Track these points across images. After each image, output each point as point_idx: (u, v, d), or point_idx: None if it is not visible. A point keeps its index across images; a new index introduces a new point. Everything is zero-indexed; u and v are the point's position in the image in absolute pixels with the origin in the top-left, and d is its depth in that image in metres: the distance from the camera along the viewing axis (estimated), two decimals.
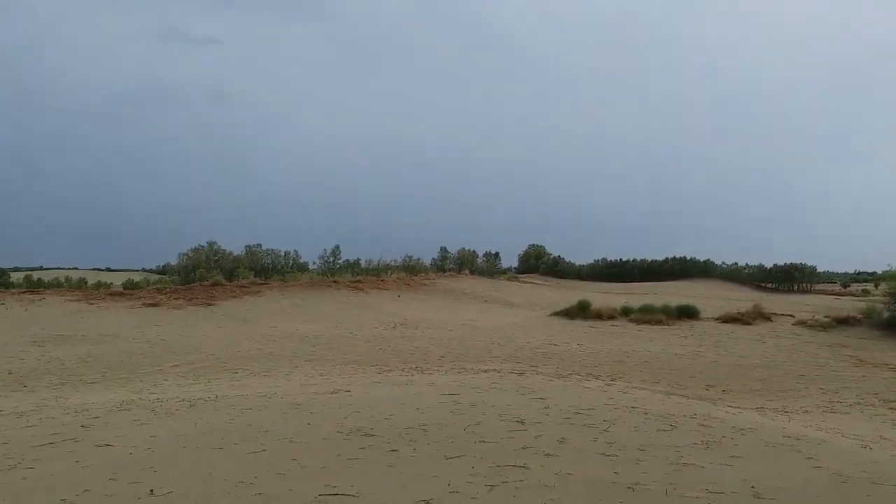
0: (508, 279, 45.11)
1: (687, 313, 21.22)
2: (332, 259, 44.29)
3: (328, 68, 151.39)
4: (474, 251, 55.79)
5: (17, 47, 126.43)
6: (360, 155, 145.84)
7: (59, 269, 66.63)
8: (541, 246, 64.64)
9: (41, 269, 69.15)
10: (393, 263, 43.03)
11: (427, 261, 49.25)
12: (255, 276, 35.80)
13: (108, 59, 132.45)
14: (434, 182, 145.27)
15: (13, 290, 30.78)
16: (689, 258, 60.28)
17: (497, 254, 60.27)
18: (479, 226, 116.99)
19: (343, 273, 38.71)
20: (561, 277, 57.03)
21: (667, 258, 60.76)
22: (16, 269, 60.64)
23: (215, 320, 21.55)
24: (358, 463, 4.66)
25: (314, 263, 45.04)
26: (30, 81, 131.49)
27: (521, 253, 65.23)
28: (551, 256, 63.11)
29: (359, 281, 31.38)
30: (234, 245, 44.43)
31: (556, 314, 23.40)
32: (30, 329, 18.92)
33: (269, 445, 5.28)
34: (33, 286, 36.01)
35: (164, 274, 52.89)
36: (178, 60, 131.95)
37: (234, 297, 26.09)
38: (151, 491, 4.06)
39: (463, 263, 51.72)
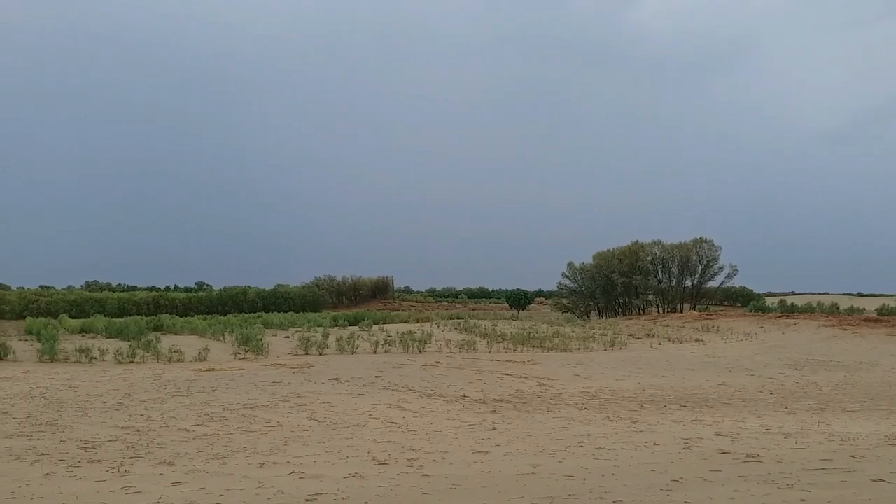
0: None
1: None
2: None
3: None
4: None
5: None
6: None
7: (810, 293, 67.29)
8: None
9: (793, 293, 71.47)
10: None
11: None
12: None
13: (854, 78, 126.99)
14: None
15: (769, 314, 32.99)
16: None
17: None
18: None
19: None
20: None
21: None
22: (769, 294, 64.81)
23: None
24: None
25: None
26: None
27: None
28: None
29: None
30: None
31: None
32: (785, 352, 19.91)
33: None
34: (787, 311, 37.58)
35: None
36: None
37: None
38: None
39: None
